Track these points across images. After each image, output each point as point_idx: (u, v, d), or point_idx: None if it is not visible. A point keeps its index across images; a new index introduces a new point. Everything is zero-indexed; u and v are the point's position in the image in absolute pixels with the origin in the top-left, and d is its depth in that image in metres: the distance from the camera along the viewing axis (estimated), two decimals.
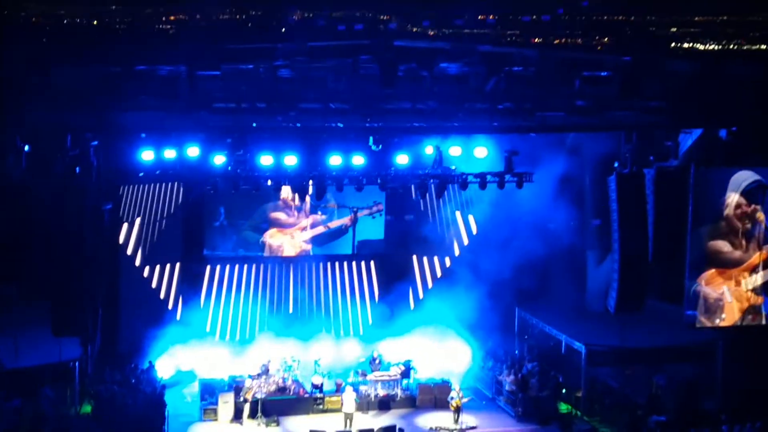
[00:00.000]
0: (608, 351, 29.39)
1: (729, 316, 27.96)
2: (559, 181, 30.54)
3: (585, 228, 32.85)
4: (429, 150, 29.06)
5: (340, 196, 30.81)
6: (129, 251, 31.59)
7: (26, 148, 25.29)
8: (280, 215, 34.23)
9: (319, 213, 34.38)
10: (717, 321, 27.92)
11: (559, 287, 32.31)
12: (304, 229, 34.43)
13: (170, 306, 31.44)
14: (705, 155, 27.56)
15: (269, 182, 28.17)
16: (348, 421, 28.01)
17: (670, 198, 27.20)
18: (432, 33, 22.92)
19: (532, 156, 28.93)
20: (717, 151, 27.57)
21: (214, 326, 31.95)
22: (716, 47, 23.63)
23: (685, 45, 23.60)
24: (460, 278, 32.63)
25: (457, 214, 34.35)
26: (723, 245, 27.59)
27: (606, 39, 23.38)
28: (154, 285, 31.68)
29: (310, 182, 28.00)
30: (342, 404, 28.37)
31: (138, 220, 31.62)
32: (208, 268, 33.64)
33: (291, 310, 34.09)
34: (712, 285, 27.74)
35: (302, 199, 29.75)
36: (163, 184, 32.10)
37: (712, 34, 23.50)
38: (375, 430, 27.52)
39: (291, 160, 26.97)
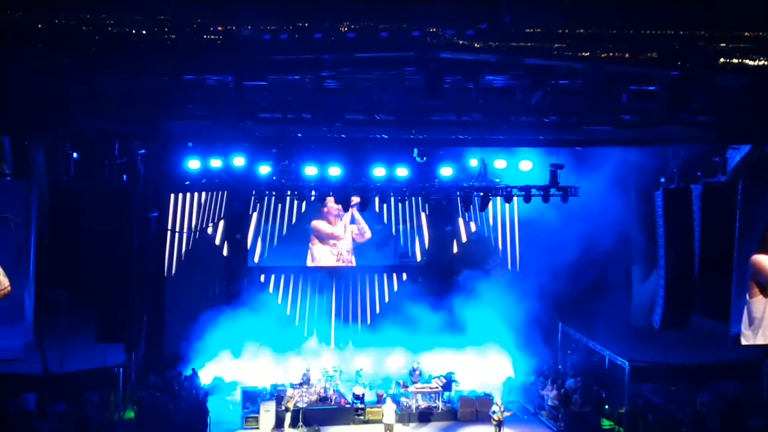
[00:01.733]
0: (652, 367, 29.12)
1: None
2: (606, 195, 30.35)
3: (631, 243, 32.60)
4: (473, 162, 29.09)
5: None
6: (176, 259, 32.00)
7: (75, 155, 25.64)
8: (322, 225, 34.44)
9: (358, 224, 34.62)
10: (762, 339, 27.55)
11: (604, 302, 32.05)
12: (343, 239, 34.61)
13: (214, 314, 31.49)
14: (753, 171, 27.25)
15: (313, 193, 28.36)
16: None
17: (717, 214, 26.93)
18: (478, 45, 22.77)
19: (579, 168, 28.80)
20: (765, 167, 27.23)
21: (259, 334, 31.99)
22: (766, 62, 23.28)
23: (734, 60, 23.22)
24: (503, 291, 32.50)
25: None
26: None
27: (654, 53, 23.11)
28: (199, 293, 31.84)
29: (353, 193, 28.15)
30: (382, 415, 28.37)
31: (184, 228, 31.99)
32: (252, 276, 33.86)
33: (333, 320, 34.20)
34: (758, 302, 27.40)
35: (345, 209, 29.92)
36: (210, 193, 32.44)
37: (761, 49, 23.16)
38: None
39: (335, 171, 27.11)
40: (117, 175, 25.71)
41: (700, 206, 27.08)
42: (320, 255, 34.72)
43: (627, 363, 28.66)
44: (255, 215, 33.87)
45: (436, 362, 32.06)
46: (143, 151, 27.27)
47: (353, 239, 34.75)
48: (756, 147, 27.19)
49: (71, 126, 23.28)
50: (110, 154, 25.46)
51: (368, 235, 34.85)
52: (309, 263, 34.69)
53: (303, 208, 33.71)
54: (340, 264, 34.95)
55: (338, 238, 34.59)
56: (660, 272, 27.83)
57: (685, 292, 27.45)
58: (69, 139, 24.89)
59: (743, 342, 27.43)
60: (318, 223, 34.47)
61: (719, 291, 27.57)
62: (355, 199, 29.09)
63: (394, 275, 35.47)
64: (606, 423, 29.31)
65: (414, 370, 31.25)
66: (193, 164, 27.02)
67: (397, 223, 35.08)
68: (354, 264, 35.03)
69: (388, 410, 28.24)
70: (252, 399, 29.45)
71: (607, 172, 29.86)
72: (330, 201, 32.29)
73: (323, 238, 34.54)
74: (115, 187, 25.50)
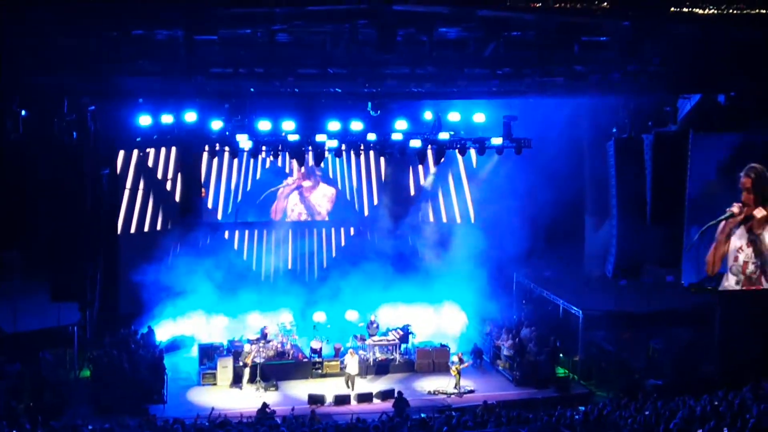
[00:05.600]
0: (605, 315, 29.58)
1: (724, 281, 27.98)
2: (559, 146, 30.50)
3: (584, 193, 32.89)
4: (428, 116, 29.07)
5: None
6: (127, 216, 31.75)
7: (23, 112, 25.18)
8: (277, 182, 34.43)
9: (310, 179, 34.65)
10: (713, 285, 27.95)
11: (558, 252, 32.40)
12: (295, 193, 34.68)
13: (169, 271, 31.28)
14: (703, 120, 27.46)
15: (267, 148, 28.23)
16: (349, 382, 28.20)
17: (668, 163, 27.14)
18: None
19: (531, 121, 28.87)
20: (715, 116, 27.46)
21: (215, 291, 31.87)
22: (716, 11, 23.36)
23: (685, 9, 23.30)
24: (459, 244, 32.72)
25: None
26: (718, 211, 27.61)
27: (605, 3, 23.11)
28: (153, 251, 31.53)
29: (304, 148, 28.04)
30: (346, 366, 28.56)
31: (128, 185, 31.73)
32: (206, 232, 33.71)
33: (290, 276, 34.18)
34: (708, 250, 27.76)
35: (300, 164, 29.83)
36: (161, 149, 32.17)
37: None
38: (374, 394, 27.73)
39: (289, 126, 26.96)
40: (66, 133, 25.29)
41: (652, 155, 27.27)
42: (273, 209, 34.84)
43: (580, 312, 29.05)
44: (215, 171, 33.69)
45: (392, 315, 32.24)
46: (93, 107, 26.84)
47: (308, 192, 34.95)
48: (706, 96, 27.41)
49: (19, 82, 22.84)
50: (59, 111, 25.02)
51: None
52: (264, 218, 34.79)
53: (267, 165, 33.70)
54: (292, 218, 35.04)
55: (291, 194, 34.69)
56: (612, 222, 28.10)
57: (637, 240, 27.73)
58: (17, 96, 24.41)
59: (693, 290, 27.83)
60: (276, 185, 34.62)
61: (670, 239, 27.91)
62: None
63: (351, 229, 35.50)
64: (560, 371, 29.74)
65: (371, 323, 31.40)
66: (144, 120, 26.73)
67: (350, 179, 35.13)
68: (308, 219, 35.08)
69: (352, 361, 28.45)
70: (209, 355, 29.46)
71: (559, 123, 29.99)
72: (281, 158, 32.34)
73: (277, 193, 34.62)
74: (64, 144, 25.06)
